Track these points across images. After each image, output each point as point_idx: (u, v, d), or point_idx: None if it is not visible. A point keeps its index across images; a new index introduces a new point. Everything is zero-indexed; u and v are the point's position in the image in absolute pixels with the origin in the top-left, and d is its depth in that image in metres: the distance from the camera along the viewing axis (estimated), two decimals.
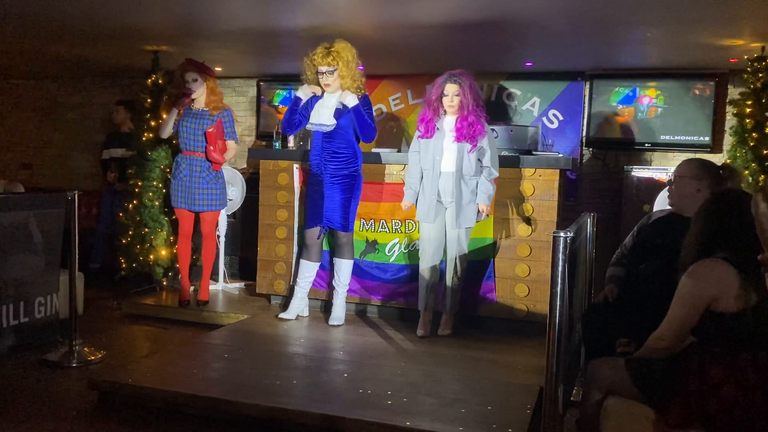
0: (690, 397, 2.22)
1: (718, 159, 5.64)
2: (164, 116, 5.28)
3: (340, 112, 4.37)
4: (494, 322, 4.55)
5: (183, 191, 4.93)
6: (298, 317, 4.68)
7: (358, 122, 4.34)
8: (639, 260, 3.19)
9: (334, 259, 4.62)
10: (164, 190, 5.72)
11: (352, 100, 4.33)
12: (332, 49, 4.30)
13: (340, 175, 4.39)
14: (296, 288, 4.67)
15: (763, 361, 2.22)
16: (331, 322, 4.54)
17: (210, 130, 4.86)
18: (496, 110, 6.41)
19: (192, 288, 5.30)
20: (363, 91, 4.44)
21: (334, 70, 4.30)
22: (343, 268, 4.56)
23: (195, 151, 4.90)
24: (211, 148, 4.87)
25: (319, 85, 4.40)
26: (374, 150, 5.03)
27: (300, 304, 4.69)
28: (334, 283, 4.61)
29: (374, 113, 4.62)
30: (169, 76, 5.68)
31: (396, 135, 6.80)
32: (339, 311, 4.58)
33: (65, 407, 3.32)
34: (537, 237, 4.44)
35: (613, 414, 2.39)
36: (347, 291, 4.65)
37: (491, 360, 3.89)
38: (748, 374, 2.20)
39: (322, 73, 4.32)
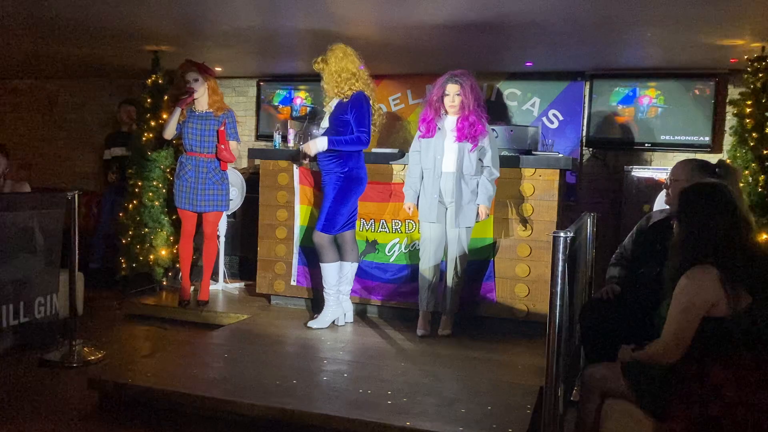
0: (692, 402, 2.22)
1: (718, 159, 5.63)
2: (165, 117, 5.28)
3: (331, 118, 4.40)
4: (494, 322, 4.55)
5: (188, 192, 4.93)
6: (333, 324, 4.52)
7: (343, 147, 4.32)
8: (639, 265, 3.19)
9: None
10: (164, 190, 5.72)
11: (321, 144, 4.32)
12: (323, 56, 4.35)
13: (331, 173, 4.37)
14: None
15: (763, 359, 2.22)
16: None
17: (222, 129, 4.92)
18: (496, 110, 6.41)
19: (192, 288, 5.30)
20: (353, 90, 4.32)
21: (321, 76, 4.38)
22: (322, 271, 4.45)
23: (201, 153, 4.91)
24: (223, 147, 4.91)
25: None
26: (374, 150, 5.03)
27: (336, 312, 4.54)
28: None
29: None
30: (169, 76, 5.69)
31: (396, 135, 6.80)
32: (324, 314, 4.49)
33: (65, 407, 3.32)
34: (537, 237, 4.44)
35: (613, 415, 2.39)
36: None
37: (491, 360, 3.89)
38: (749, 374, 2.20)
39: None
